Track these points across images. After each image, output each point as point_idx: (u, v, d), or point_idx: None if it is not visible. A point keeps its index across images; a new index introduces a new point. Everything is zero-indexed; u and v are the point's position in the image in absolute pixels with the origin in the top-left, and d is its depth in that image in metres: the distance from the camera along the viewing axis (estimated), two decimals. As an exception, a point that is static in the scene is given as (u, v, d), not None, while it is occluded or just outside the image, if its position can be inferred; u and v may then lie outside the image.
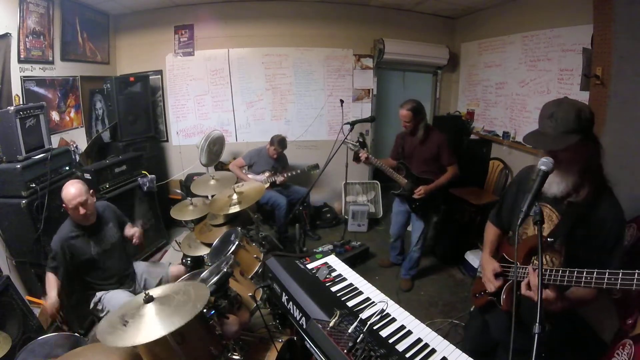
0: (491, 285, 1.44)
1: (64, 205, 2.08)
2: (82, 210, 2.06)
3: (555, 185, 1.24)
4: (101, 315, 2.16)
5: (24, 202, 2.33)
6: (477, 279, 1.68)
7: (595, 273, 1.07)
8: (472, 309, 1.75)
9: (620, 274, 1.02)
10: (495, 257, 1.54)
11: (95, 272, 2.19)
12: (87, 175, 2.98)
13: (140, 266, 2.47)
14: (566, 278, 1.15)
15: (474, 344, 1.73)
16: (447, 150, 2.80)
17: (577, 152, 1.18)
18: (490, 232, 1.64)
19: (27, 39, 2.92)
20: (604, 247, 1.22)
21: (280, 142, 3.87)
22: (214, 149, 3.82)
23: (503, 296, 1.42)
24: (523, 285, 1.22)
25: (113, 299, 2.14)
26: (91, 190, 2.16)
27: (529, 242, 1.35)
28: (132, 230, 2.36)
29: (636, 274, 0.98)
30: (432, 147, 2.79)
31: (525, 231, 1.40)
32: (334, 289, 1.58)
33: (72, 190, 2.05)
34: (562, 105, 1.20)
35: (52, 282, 2.04)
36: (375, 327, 1.31)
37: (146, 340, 1.19)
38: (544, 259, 1.34)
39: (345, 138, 2.77)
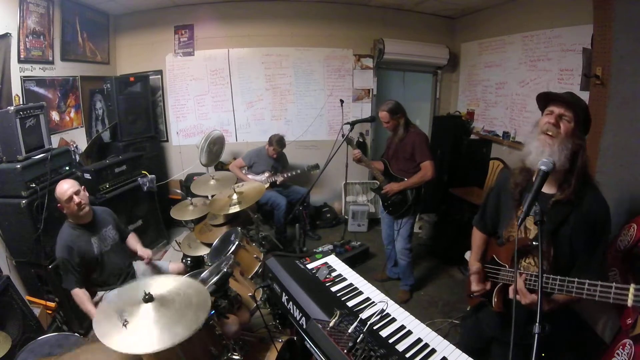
0: (476, 287, 1.51)
1: (58, 205, 2.09)
2: (76, 199, 2.06)
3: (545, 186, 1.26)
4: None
5: (24, 202, 2.33)
6: (468, 279, 1.70)
7: (576, 282, 1.09)
8: (468, 309, 1.77)
9: (599, 285, 1.03)
10: (485, 259, 1.56)
11: (98, 271, 2.19)
12: (87, 175, 2.98)
13: (140, 266, 2.47)
14: (549, 285, 1.16)
15: (470, 340, 1.74)
16: (420, 147, 2.74)
17: (572, 138, 1.22)
18: (477, 237, 1.65)
19: (27, 39, 2.92)
20: (590, 241, 1.24)
21: (278, 141, 3.87)
22: (214, 149, 3.82)
23: (495, 299, 1.44)
24: (511, 290, 1.24)
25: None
26: (82, 186, 2.18)
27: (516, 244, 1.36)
28: (144, 253, 2.38)
29: (613, 287, 1.00)
30: (408, 146, 2.78)
31: (511, 233, 1.41)
32: (334, 289, 1.58)
33: (65, 185, 2.08)
34: (574, 94, 1.29)
35: (84, 297, 2.03)
36: (375, 327, 1.30)
37: (148, 351, 1.17)
38: (531, 261, 1.35)
39: (347, 136, 2.82)
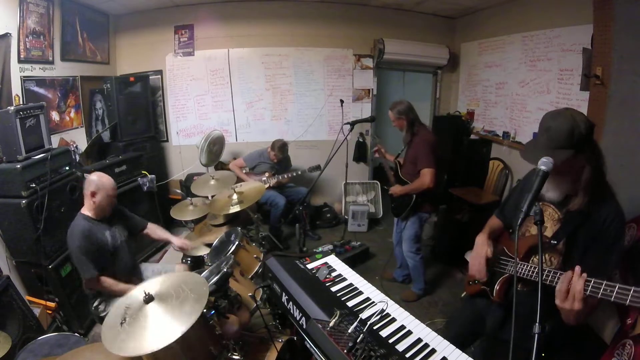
0: (477, 270, 1.48)
1: (89, 192, 2.08)
2: (115, 196, 2.19)
3: (551, 192, 1.30)
4: (102, 315, 2.15)
5: (24, 202, 2.32)
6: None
7: (592, 282, 1.05)
8: (462, 295, 1.76)
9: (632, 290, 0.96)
10: (495, 249, 1.55)
11: (110, 269, 2.16)
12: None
13: (148, 268, 2.46)
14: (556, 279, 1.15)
15: (459, 329, 1.74)
16: (422, 153, 2.66)
17: (568, 165, 1.20)
18: (494, 220, 1.67)
19: (27, 39, 2.91)
20: (601, 248, 1.24)
21: (280, 147, 3.86)
22: (214, 149, 3.82)
23: (497, 287, 1.43)
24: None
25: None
26: None
27: (531, 240, 1.36)
28: (181, 243, 2.43)
29: (632, 291, 0.95)
30: (412, 150, 2.75)
31: (528, 228, 1.42)
32: (334, 289, 1.57)
33: (108, 179, 2.15)
34: (557, 120, 1.20)
35: (110, 281, 2.06)
36: (375, 327, 1.30)
37: (150, 350, 1.17)
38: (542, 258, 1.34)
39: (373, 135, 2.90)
